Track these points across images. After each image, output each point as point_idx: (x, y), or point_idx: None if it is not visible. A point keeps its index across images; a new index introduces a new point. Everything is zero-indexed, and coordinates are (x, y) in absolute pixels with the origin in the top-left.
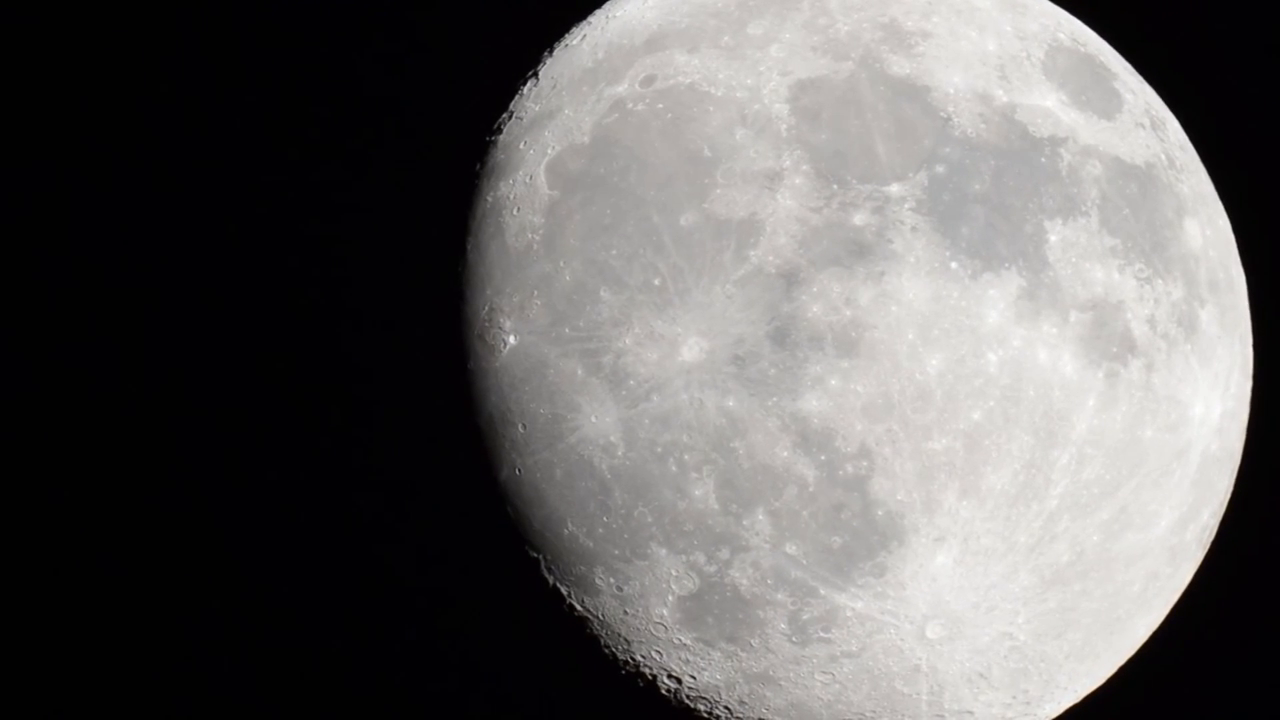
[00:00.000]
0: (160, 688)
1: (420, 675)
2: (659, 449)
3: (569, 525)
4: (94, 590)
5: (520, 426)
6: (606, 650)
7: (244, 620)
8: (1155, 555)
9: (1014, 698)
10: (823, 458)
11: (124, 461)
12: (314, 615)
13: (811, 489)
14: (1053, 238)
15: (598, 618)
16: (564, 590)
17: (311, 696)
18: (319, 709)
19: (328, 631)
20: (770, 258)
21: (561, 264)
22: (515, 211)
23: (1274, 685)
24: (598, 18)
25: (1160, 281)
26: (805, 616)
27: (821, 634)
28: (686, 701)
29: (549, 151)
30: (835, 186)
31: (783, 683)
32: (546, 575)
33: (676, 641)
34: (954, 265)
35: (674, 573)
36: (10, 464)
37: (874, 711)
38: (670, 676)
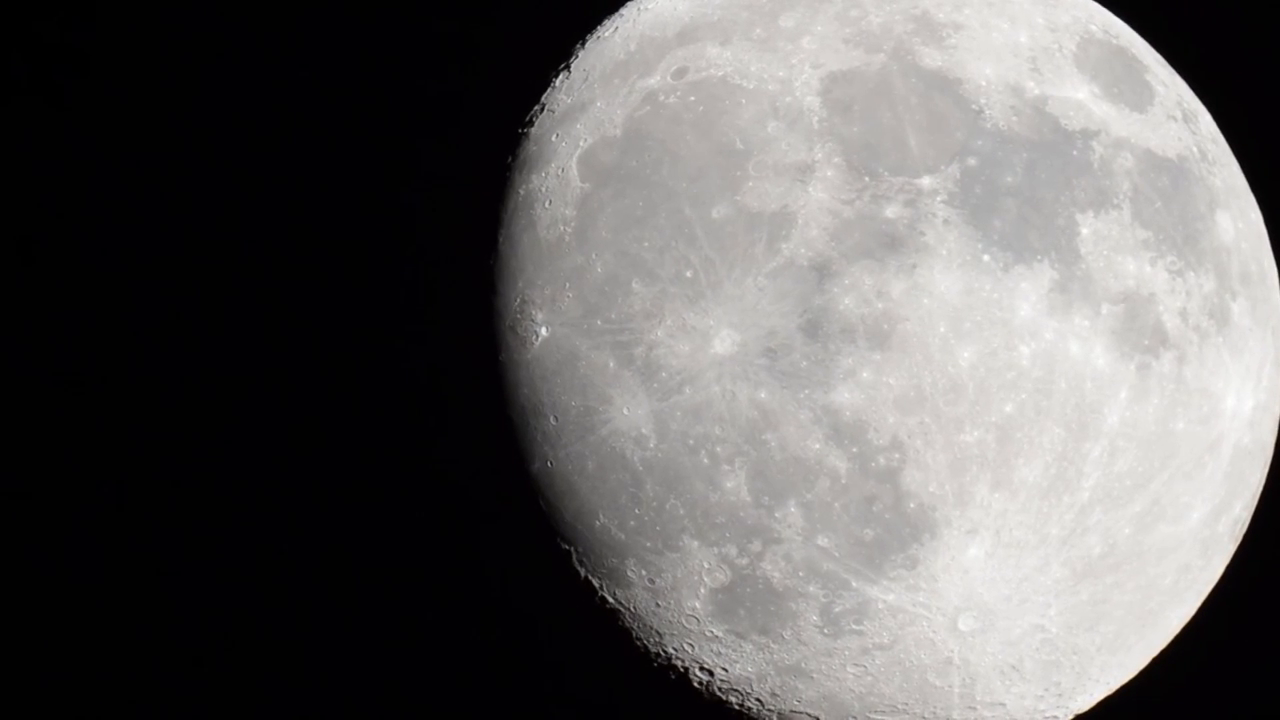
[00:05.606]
0: (181, 685)
1: (450, 667)
2: (691, 441)
3: (601, 518)
4: (121, 586)
5: (552, 419)
6: (638, 643)
7: (273, 613)
8: (1187, 548)
9: (1046, 690)
10: (855, 450)
11: (153, 458)
12: (342, 607)
13: (843, 481)
14: (1085, 230)
15: (630, 610)
16: (596, 583)
17: (337, 689)
18: (345, 701)
19: (357, 623)
20: (802, 250)
21: (593, 256)
22: (547, 204)
23: None
24: (630, 10)
25: (1192, 274)
26: (837, 609)
27: (853, 626)
28: (718, 694)
29: (581, 144)
30: (867, 179)
31: (814, 675)
32: (578, 568)
33: (708, 634)
34: (986, 258)
35: (706, 565)
36: (40, 462)
37: (906, 704)
38: (702, 669)
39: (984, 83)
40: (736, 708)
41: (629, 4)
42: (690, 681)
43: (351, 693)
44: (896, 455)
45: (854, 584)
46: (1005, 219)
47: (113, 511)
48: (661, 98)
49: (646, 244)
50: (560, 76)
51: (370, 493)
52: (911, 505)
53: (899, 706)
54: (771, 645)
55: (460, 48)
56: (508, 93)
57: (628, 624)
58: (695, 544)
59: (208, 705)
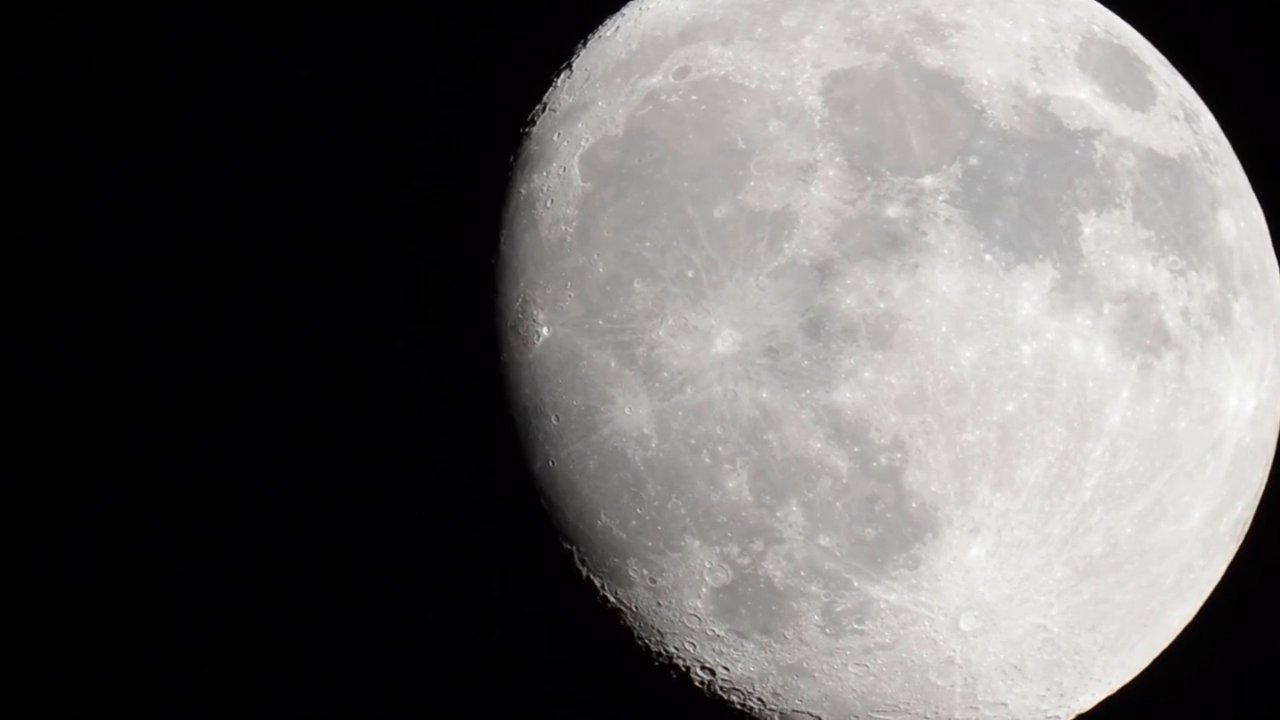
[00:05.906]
0: (181, 685)
1: (450, 667)
2: (692, 441)
3: (602, 517)
4: (121, 586)
5: (554, 418)
6: (640, 642)
7: (273, 613)
8: (1189, 547)
9: (1048, 690)
10: (856, 449)
11: (153, 458)
12: (342, 607)
13: (845, 481)
14: (1087, 230)
15: (631, 610)
16: (597, 582)
17: (337, 689)
18: (345, 701)
19: (357, 623)
20: (804, 250)
21: (595, 256)
22: (549, 204)
23: None
24: (631, 9)
25: (1194, 273)
26: (839, 608)
27: (855, 626)
28: (720, 693)
29: (583, 143)
30: (869, 178)
31: (816, 674)
32: (580, 567)
33: (710, 633)
34: (988, 257)
35: (707, 564)
36: (40, 462)
37: (907, 703)
38: (704, 668)
39: (986, 82)
40: (738, 707)
41: (630, 3)
42: (691, 681)
43: (351, 693)
44: (898, 455)
45: (856, 583)
46: (1007, 218)
47: (113, 511)
48: (663, 97)
49: (648, 243)
50: (562, 76)
51: (370, 493)
52: (913, 505)
53: (901, 706)
54: (773, 645)
55: (460, 48)
56: (508, 93)
57: (629, 623)
58: (697, 543)
59: (208, 705)
